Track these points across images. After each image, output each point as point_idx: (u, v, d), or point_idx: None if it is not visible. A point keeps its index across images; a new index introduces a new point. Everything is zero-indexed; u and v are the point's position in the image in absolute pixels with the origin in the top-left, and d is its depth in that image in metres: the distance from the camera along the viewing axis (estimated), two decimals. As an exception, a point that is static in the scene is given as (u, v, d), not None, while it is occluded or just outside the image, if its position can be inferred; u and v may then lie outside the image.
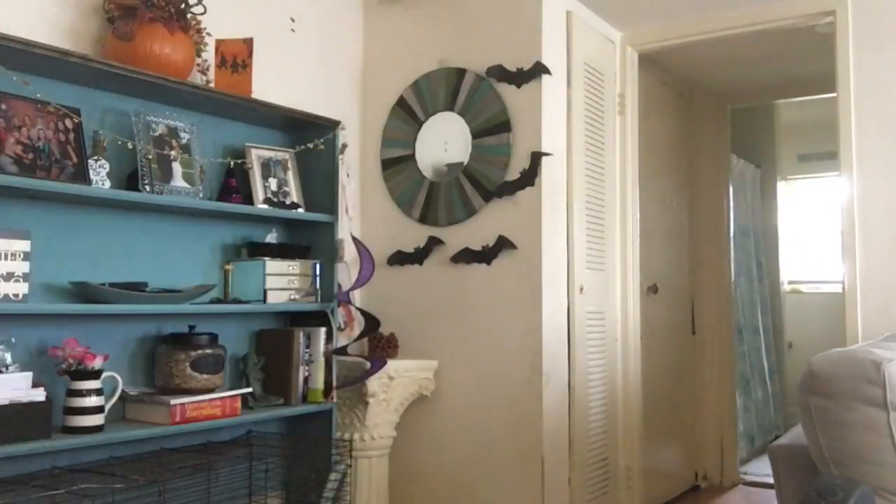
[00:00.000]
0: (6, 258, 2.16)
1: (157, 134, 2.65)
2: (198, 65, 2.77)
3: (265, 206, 2.93)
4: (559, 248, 3.35)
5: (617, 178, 3.85)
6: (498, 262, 3.30)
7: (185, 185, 2.68)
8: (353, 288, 3.18)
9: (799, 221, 6.69)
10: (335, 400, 3.02)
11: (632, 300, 3.88)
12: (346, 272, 3.25)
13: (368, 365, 3.06)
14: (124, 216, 2.66)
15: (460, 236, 3.39)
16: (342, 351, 3.06)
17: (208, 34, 2.80)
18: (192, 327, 2.70)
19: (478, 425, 3.31)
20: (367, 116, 3.68)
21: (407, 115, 3.56)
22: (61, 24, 2.55)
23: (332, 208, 3.08)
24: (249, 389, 2.83)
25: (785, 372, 6.22)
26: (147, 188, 2.56)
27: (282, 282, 2.93)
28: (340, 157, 3.12)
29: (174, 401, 2.51)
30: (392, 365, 3.15)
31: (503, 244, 3.28)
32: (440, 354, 3.39)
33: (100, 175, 2.45)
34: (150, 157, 2.59)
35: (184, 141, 2.73)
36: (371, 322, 3.12)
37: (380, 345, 3.34)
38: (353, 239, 3.20)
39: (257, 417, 2.80)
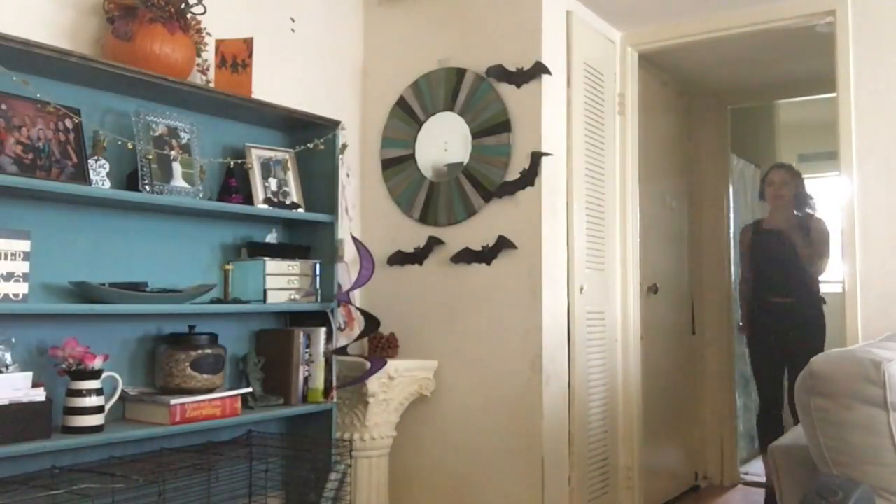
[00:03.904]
0: (6, 258, 2.15)
1: (157, 134, 2.65)
2: (198, 65, 2.77)
3: (265, 206, 2.93)
4: (559, 248, 3.35)
5: (617, 178, 3.85)
6: (498, 262, 3.30)
7: (185, 185, 2.68)
8: (353, 288, 3.18)
9: (799, 221, 6.67)
10: (335, 400, 3.02)
11: (632, 300, 3.88)
12: (346, 272, 3.25)
13: (368, 365, 3.06)
14: (124, 216, 2.66)
15: (460, 236, 3.39)
16: (342, 351, 3.06)
17: (208, 34, 2.80)
18: (192, 327, 2.70)
19: (478, 425, 3.31)
20: (367, 116, 3.68)
21: (407, 115, 3.56)
22: (61, 24, 2.55)
23: (332, 208, 3.08)
24: (249, 389, 2.83)
25: (785, 372, 6.20)
26: (147, 188, 2.56)
27: (282, 282, 2.93)
28: (340, 157, 3.12)
29: (174, 401, 2.51)
30: (392, 365, 3.15)
31: (503, 244, 3.28)
32: (440, 354, 3.39)
33: (100, 175, 2.45)
34: (150, 157, 2.59)
35: (184, 141, 2.73)
36: (371, 322, 3.12)
37: (380, 345, 3.34)
38: (353, 239, 3.20)
39: (257, 417, 2.80)
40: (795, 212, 4.24)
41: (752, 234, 4.35)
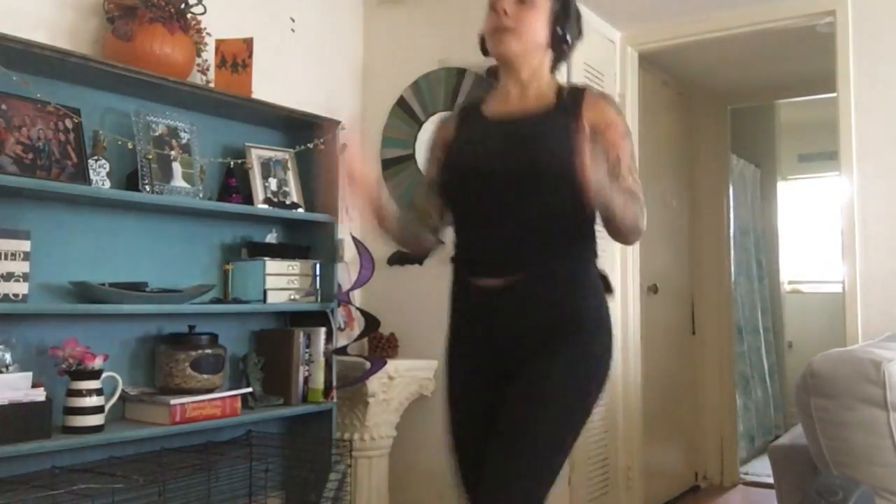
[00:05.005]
0: (6, 258, 2.16)
1: (157, 134, 2.65)
2: (198, 65, 2.77)
3: (265, 206, 2.93)
4: (559, 248, 3.34)
5: (617, 178, 3.84)
6: (498, 262, 3.29)
7: (185, 185, 2.68)
8: (353, 288, 3.18)
9: (799, 221, 6.68)
10: (335, 400, 3.02)
11: (632, 300, 3.88)
12: (346, 272, 3.25)
13: (368, 365, 3.06)
14: (124, 216, 2.66)
15: (460, 236, 3.38)
16: (342, 351, 3.06)
17: (208, 34, 2.80)
18: (192, 327, 2.70)
19: (478, 425, 3.30)
20: (367, 116, 3.68)
21: (407, 115, 3.55)
22: (61, 24, 2.55)
23: (332, 208, 3.08)
24: (249, 389, 2.83)
25: (785, 372, 6.22)
26: (147, 188, 2.56)
27: (282, 282, 2.93)
28: (340, 157, 3.12)
29: (174, 401, 2.51)
30: (392, 365, 3.15)
31: (503, 244, 3.26)
32: (440, 354, 3.36)
33: (100, 175, 2.45)
34: (150, 157, 2.59)
35: (184, 141, 2.73)
36: (371, 322, 3.12)
37: (380, 345, 3.33)
38: (353, 239, 3.20)
39: (257, 417, 2.81)
40: (553, 72, 2.06)
41: (456, 126, 2.01)
